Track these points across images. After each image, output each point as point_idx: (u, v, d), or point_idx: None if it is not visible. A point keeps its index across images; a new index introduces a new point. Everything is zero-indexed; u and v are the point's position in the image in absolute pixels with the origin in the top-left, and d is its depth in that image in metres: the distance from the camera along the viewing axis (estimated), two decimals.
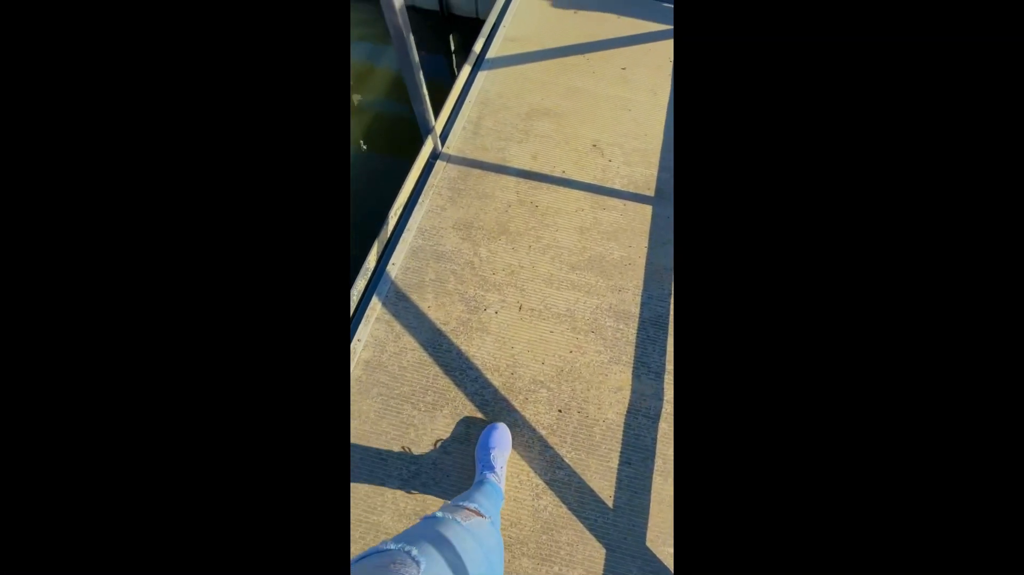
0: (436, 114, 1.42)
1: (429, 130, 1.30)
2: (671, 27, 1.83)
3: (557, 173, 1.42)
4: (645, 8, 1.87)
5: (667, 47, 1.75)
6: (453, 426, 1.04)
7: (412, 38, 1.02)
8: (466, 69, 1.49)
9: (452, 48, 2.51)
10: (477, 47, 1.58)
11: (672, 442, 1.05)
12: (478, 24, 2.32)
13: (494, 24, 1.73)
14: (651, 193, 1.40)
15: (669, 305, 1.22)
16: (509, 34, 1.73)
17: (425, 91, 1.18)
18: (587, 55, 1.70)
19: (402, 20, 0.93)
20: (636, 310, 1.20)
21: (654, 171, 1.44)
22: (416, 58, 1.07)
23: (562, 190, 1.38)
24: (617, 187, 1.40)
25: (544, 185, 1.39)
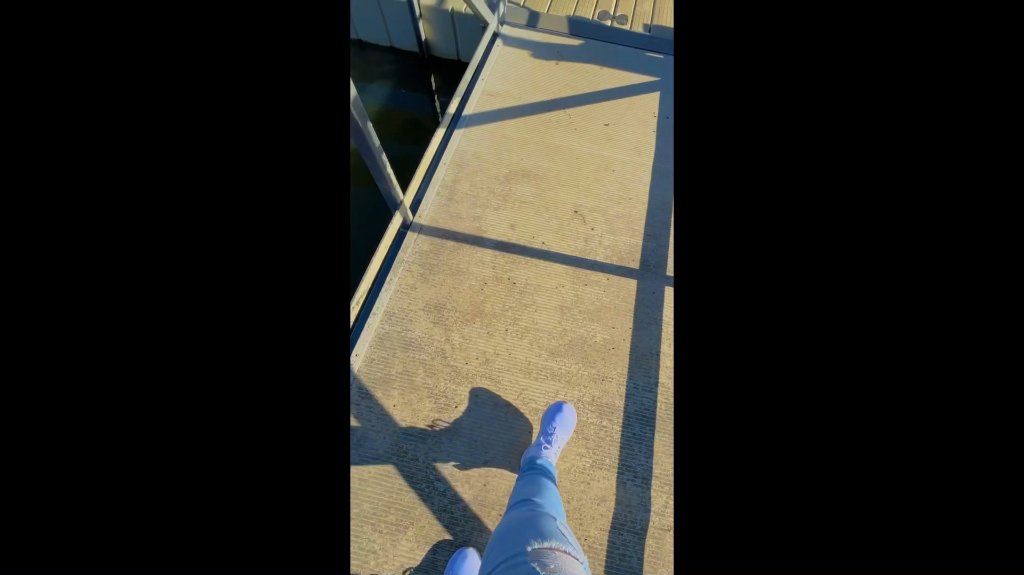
0: (409, 178, 1.33)
1: (397, 205, 1.21)
2: (657, 78, 1.78)
3: (537, 244, 1.34)
4: (629, 59, 1.82)
5: (652, 100, 1.70)
6: (421, 554, 0.94)
7: (370, 125, 0.93)
8: (439, 132, 1.41)
9: (434, 87, 2.44)
10: (452, 107, 1.51)
11: (659, 562, 0.95)
12: (459, 66, 2.26)
13: (472, 78, 1.66)
14: (636, 265, 1.32)
15: (656, 394, 1.13)
16: (488, 88, 1.66)
17: (390, 170, 1.09)
18: (569, 111, 1.63)
19: (357, 110, 0.85)
20: (621, 402, 1.12)
21: (639, 239, 1.37)
22: (376, 142, 0.99)
23: (542, 264, 1.30)
24: (600, 259, 1.32)
25: (522, 258, 1.31)
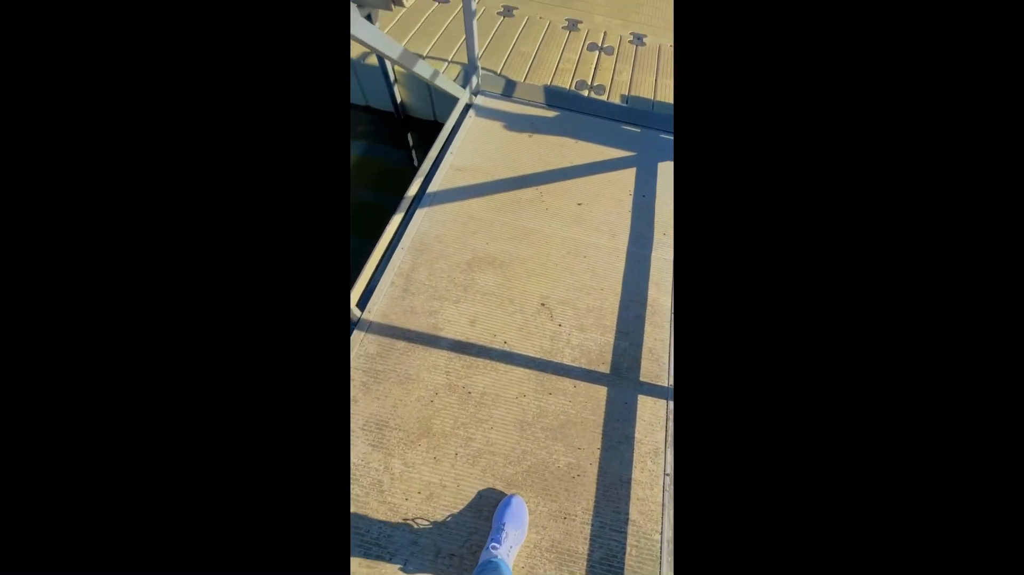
0: (359, 271, 1.22)
1: None
2: (633, 153, 1.74)
3: (498, 344, 1.22)
4: (605, 132, 1.79)
5: (627, 177, 1.65)
6: None
7: None
8: (396, 217, 1.32)
9: (411, 144, 2.40)
10: (413, 189, 1.42)
11: None
12: (436, 125, 2.22)
13: (439, 153, 1.59)
14: (606, 369, 1.21)
15: (625, 535, 0.98)
16: (457, 162, 1.59)
17: None
18: (541, 188, 1.56)
19: None
20: (584, 548, 0.96)
21: (610, 337, 1.26)
22: None
23: (502, 368, 1.18)
24: (567, 362, 1.20)
25: (481, 362, 1.18)
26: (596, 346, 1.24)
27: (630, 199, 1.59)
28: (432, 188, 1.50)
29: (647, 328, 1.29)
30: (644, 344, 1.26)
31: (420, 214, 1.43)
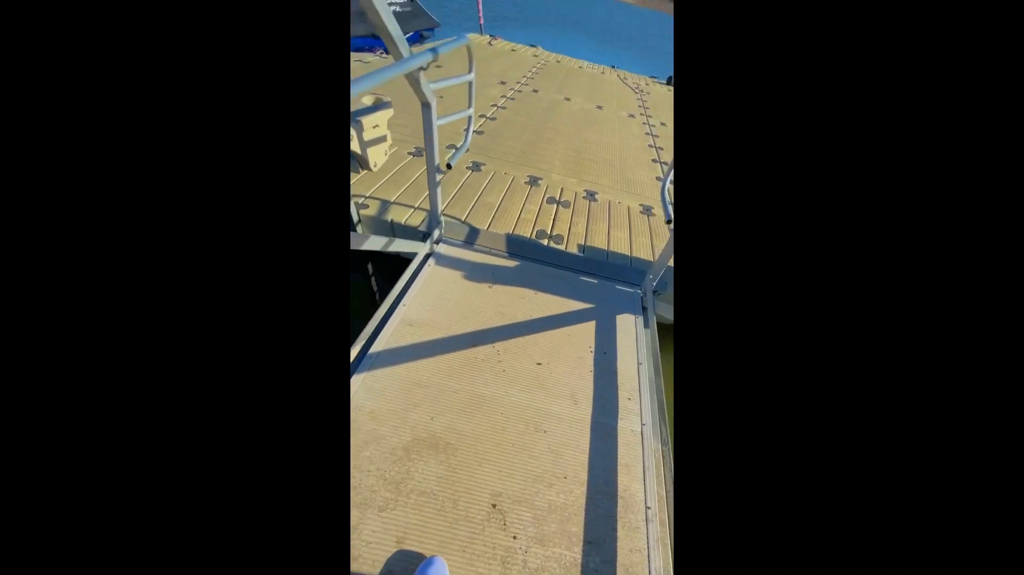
0: None
1: None
2: (591, 306, 1.76)
3: None
4: (565, 283, 1.83)
5: (588, 332, 1.62)
6: None
7: None
8: None
9: (370, 271, 2.36)
10: (355, 349, 1.28)
11: None
12: (401, 260, 2.23)
13: (390, 307, 1.50)
14: None
15: None
16: (409, 316, 1.50)
17: None
18: (499, 345, 1.47)
19: None
20: None
21: (577, 553, 1.01)
22: None
23: None
24: None
25: None
26: (560, 567, 0.98)
27: (591, 356, 1.52)
28: (376, 348, 1.36)
29: (620, 532, 1.07)
30: (618, 559, 1.02)
31: (357, 381, 1.25)
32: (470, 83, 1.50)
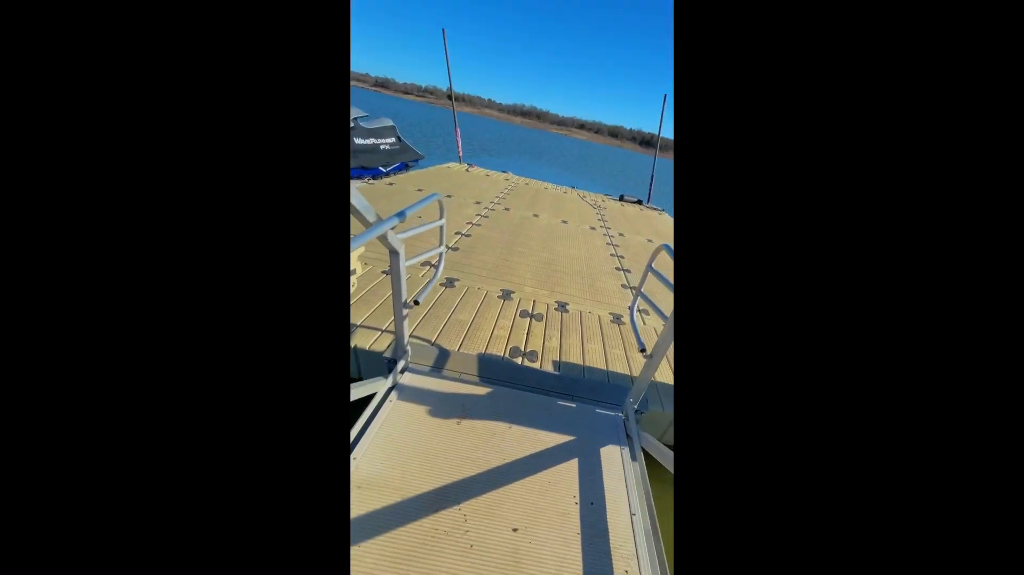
0: None
1: None
2: (572, 437, 1.58)
3: None
4: (540, 410, 1.67)
5: (571, 475, 1.41)
6: None
7: None
8: None
9: None
10: None
11: None
12: (357, 403, 2.04)
13: None
14: None
15: None
16: (359, 477, 1.27)
17: None
18: (466, 507, 1.23)
19: None
20: None
21: None
22: None
23: None
24: None
25: None
26: None
27: (576, 511, 1.29)
28: None
29: None
30: None
31: None
32: (441, 227, 1.59)
